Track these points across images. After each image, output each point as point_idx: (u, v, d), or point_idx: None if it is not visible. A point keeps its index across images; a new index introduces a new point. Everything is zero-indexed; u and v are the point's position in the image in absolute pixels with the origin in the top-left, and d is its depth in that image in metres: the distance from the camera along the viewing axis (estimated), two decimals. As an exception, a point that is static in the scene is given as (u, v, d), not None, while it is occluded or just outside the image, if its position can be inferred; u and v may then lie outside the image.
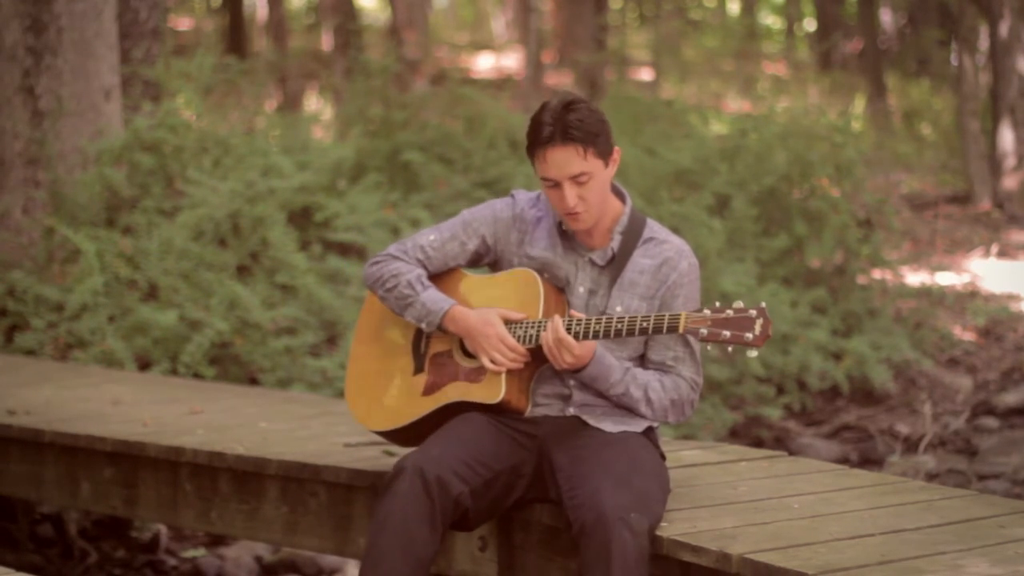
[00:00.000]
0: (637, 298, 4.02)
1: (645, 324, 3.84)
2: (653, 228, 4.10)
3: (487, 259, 4.18)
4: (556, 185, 3.93)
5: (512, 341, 3.95)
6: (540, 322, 3.98)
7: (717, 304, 3.81)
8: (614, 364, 3.94)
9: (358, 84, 11.26)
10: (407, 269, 4.12)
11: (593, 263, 4.06)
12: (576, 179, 3.91)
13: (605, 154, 3.96)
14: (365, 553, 3.83)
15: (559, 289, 4.07)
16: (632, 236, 4.05)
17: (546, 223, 4.11)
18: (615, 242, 4.05)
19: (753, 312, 3.73)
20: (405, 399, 4.15)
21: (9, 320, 8.03)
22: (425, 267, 4.14)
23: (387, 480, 3.87)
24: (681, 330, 3.78)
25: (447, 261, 4.15)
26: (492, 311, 4.01)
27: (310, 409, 5.96)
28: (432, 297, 4.07)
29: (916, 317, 10.52)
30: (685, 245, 4.09)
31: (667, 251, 4.05)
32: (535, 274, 4.06)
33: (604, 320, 3.89)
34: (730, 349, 3.78)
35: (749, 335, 3.72)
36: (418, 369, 4.17)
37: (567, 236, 4.08)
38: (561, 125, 3.89)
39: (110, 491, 5.42)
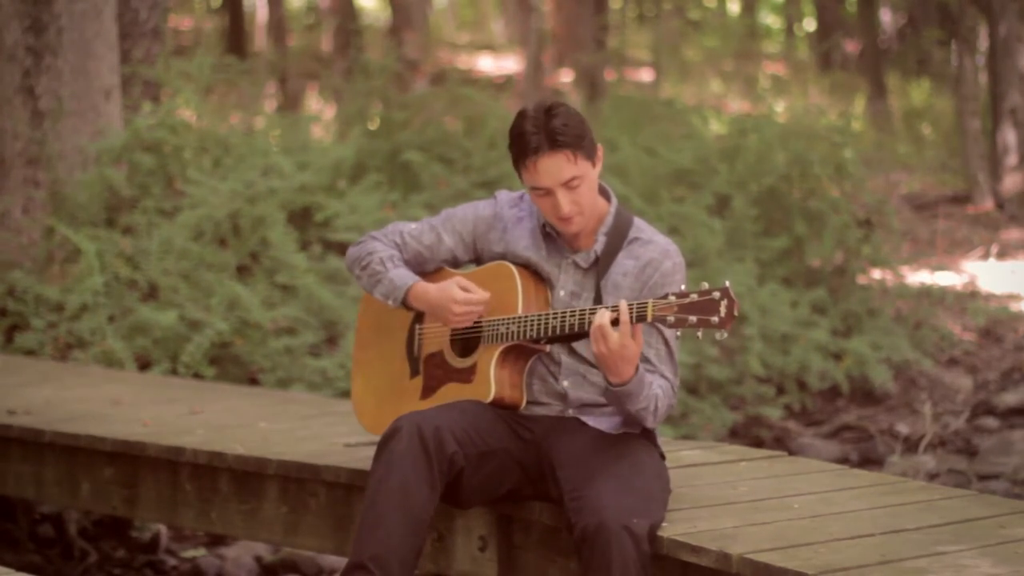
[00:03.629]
0: (622, 300, 4.00)
1: (614, 315, 3.78)
2: (640, 228, 4.06)
3: (466, 258, 4.18)
4: (548, 193, 3.91)
5: (463, 295, 3.97)
6: (517, 318, 3.96)
7: (682, 288, 3.78)
8: (645, 379, 3.88)
9: (358, 84, 11.25)
10: (382, 248, 4.16)
11: (576, 265, 4.04)
12: (568, 184, 3.89)
13: (591, 155, 3.94)
14: (362, 515, 3.81)
15: (539, 279, 4.05)
16: (617, 237, 4.02)
17: (527, 224, 4.09)
18: (599, 244, 4.02)
19: (716, 294, 3.68)
20: (404, 404, 4.16)
21: (9, 320, 8.03)
22: (400, 252, 4.16)
23: (383, 440, 3.86)
24: (649, 319, 3.73)
25: (421, 251, 4.16)
26: (450, 280, 4.03)
27: (310, 409, 5.96)
28: (400, 274, 4.10)
29: (916, 317, 10.51)
30: (671, 245, 4.05)
31: (651, 252, 4.02)
32: (511, 266, 4.05)
33: (578, 312, 3.86)
34: (699, 334, 3.75)
35: (714, 318, 3.66)
36: (414, 372, 4.19)
37: (550, 237, 4.06)
38: (546, 132, 3.86)
39: (110, 491, 5.42)
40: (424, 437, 3.81)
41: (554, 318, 3.91)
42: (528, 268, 4.07)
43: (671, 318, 3.71)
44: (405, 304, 4.10)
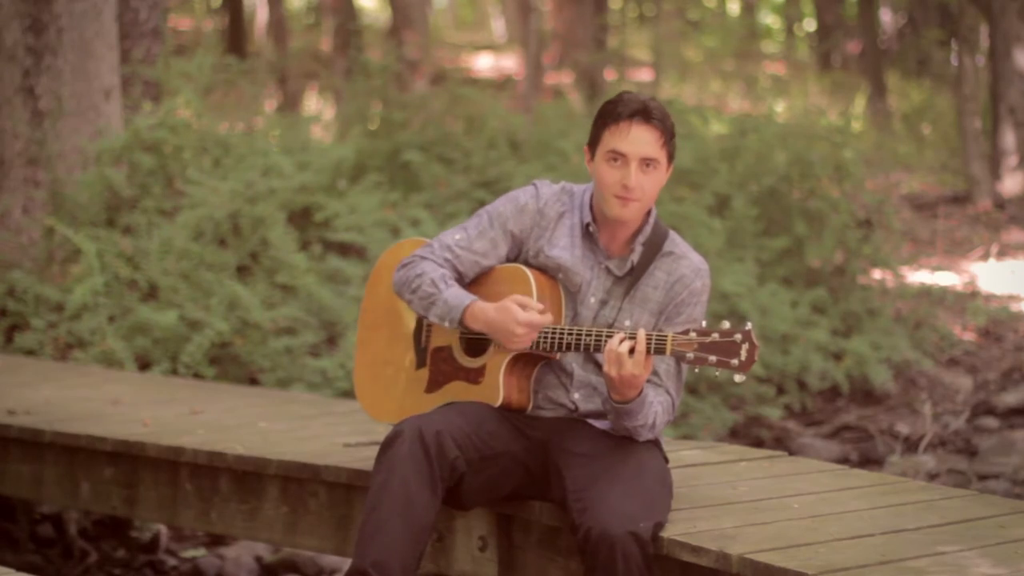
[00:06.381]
0: (648, 313, 3.99)
1: (632, 344, 3.79)
2: (674, 241, 4.06)
3: (513, 255, 4.11)
4: (623, 162, 3.90)
5: (524, 316, 3.87)
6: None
7: (703, 324, 3.79)
8: (647, 399, 3.90)
9: (358, 84, 11.26)
10: (432, 268, 4.04)
11: (609, 271, 4.02)
12: (645, 162, 3.90)
13: (671, 156, 3.96)
14: (364, 519, 3.81)
15: (554, 284, 4.04)
16: (652, 248, 4.01)
17: (569, 220, 4.05)
18: (636, 253, 4.01)
19: (739, 336, 3.71)
20: (409, 395, 4.15)
21: (9, 320, 8.03)
22: (454, 267, 4.06)
23: (384, 443, 3.85)
24: (668, 353, 3.76)
25: (477, 259, 4.08)
26: (508, 300, 3.93)
27: (310, 409, 5.96)
28: (454, 294, 3.99)
29: (916, 317, 10.51)
30: (703, 264, 4.05)
31: (684, 268, 4.01)
32: (526, 271, 4.02)
33: (595, 332, 3.87)
34: (717, 373, 3.76)
35: (735, 361, 3.70)
36: (420, 363, 4.17)
37: (589, 238, 4.03)
38: (646, 107, 3.90)
39: (110, 491, 5.42)
40: (425, 442, 3.80)
41: (569, 334, 3.91)
42: (544, 272, 4.05)
43: (690, 355, 3.74)
44: (462, 324, 3.99)
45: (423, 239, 4.31)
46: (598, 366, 4.01)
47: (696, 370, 3.84)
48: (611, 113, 3.92)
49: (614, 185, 3.91)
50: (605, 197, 3.95)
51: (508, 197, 4.11)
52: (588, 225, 4.02)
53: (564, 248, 4.03)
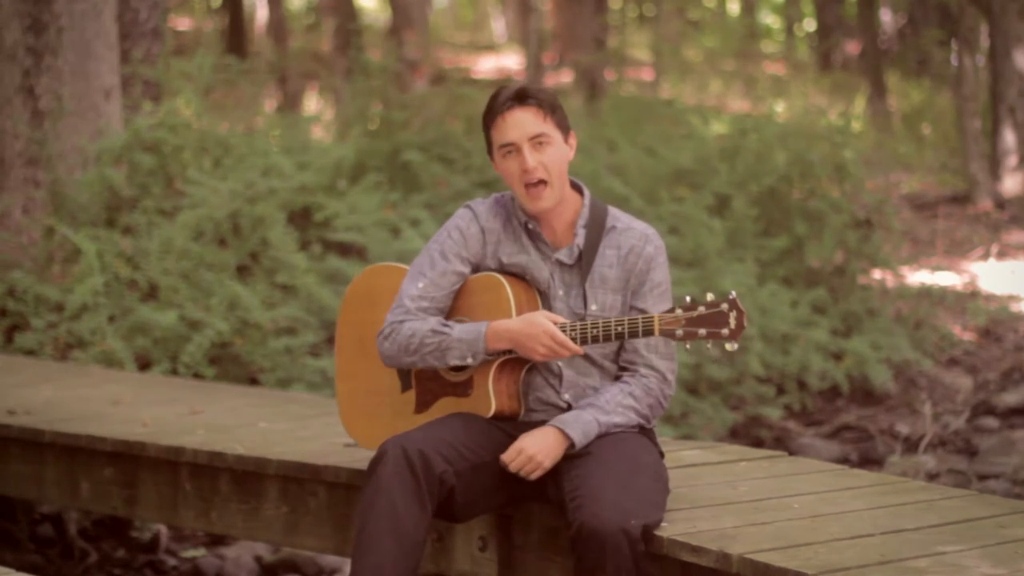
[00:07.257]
0: (611, 293, 4.00)
1: (619, 329, 3.83)
2: (616, 216, 4.06)
3: (471, 274, 4.10)
4: (515, 151, 3.92)
5: (562, 337, 3.87)
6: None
7: (688, 299, 3.79)
8: (589, 422, 3.90)
9: (358, 84, 11.26)
10: (419, 325, 3.99)
11: (561, 263, 4.03)
12: (536, 140, 3.91)
13: (563, 127, 3.97)
14: (355, 541, 3.80)
15: (527, 285, 4.03)
16: (595, 228, 4.01)
17: (510, 226, 4.05)
18: (579, 238, 4.01)
19: (725, 306, 3.73)
20: (399, 419, 4.13)
21: (9, 320, 8.03)
22: (435, 310, 4.03)
23: (370, 465, 3.84)
24: (656, 333, 3.78)
25: (450, 291, 4.05)
26: (536, 314, 3.92)
27: (310, 409, 5.96)
28: (464, 329, 3.96)
29: (916, 317, 10.52)
30: (649, 229, 4.05)
31: (631, 239, 4.02)
32: (499, 277, 4.02)
33: (579, 326, 3.87)
34: (709, 345, 3.77)
35: (725, 330, 3.72)
36: (405, 387, 4.15)
37: (532, 234, 4.03)
38: (519, 93, 3.93)
39: (110, 491, 5.42)
40: (410, 458, 3.78)
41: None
42: (515, 275, 4.05)
43: (679, 331, 3.75)
44: (487, 352, 3.94)
45: (394, 264, 4.29)
46: (588, 362, 4.01)
47: (688, 346, 3.84)
48: (489, 113, 3.97)
49: (518, 176, 3.94)
50: (517, 192, 3.97)
51: (449, 228, 4.09)
52: (527, 223, 4.02)
53: (518, 252, 4.04)
